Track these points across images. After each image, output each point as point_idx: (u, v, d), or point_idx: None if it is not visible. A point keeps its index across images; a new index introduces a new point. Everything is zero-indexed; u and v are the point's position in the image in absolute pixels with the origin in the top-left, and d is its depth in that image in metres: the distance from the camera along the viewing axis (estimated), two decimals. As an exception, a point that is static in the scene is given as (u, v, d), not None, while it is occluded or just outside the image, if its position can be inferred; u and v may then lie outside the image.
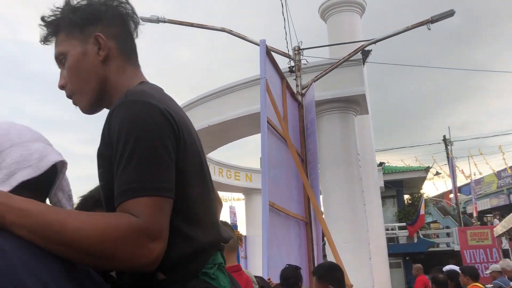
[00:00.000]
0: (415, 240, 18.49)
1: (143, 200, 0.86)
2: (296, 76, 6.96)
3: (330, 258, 5.69)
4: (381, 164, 18.36)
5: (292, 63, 7.13)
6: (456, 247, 17.27)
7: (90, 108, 1.15)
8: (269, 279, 3.66)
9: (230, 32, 7.58)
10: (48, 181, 0.97)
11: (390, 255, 13.38)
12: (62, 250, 0.80)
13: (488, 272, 7.33)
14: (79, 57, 1.10)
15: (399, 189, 21.18)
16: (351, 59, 7.58)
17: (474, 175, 25.64)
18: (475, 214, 21.75)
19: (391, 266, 13.95)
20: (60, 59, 1.14)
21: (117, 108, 0.96)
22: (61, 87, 1.15)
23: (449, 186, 24.40)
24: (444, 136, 22.18)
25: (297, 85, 6.84)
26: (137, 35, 1.20)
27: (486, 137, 30.46)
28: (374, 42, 7.30)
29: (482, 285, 5.73)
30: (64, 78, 1.14)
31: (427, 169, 21.85)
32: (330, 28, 12.06)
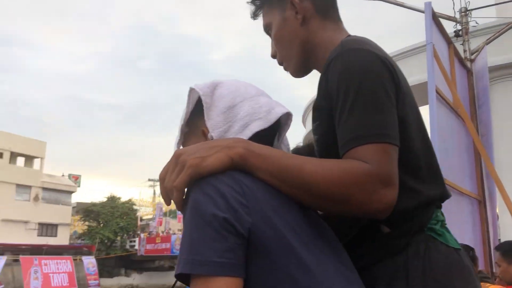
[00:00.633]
0: None
1: (371, 146, 0.84)
2: (464, 41, 6.27)
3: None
4: None
5: (458, 27, 6.44)
6: None
7: (298, 71, 1.19)
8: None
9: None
10: (272, 134, 1.01)
11: None
12: (299, 194, 0.81)
13: None
14: (280, 24, 1.15)
15: None
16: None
17: None
18: None
19: None
20: (267, 30, 1.21)
21: (335, 59, 0.95)
22: (273, 56, 1.22)
23: None
24: None
25: (464, 50, 6.15)
26: None
27: None
28: None
29: None
30: (273, 47, 1.20)
31: None
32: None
